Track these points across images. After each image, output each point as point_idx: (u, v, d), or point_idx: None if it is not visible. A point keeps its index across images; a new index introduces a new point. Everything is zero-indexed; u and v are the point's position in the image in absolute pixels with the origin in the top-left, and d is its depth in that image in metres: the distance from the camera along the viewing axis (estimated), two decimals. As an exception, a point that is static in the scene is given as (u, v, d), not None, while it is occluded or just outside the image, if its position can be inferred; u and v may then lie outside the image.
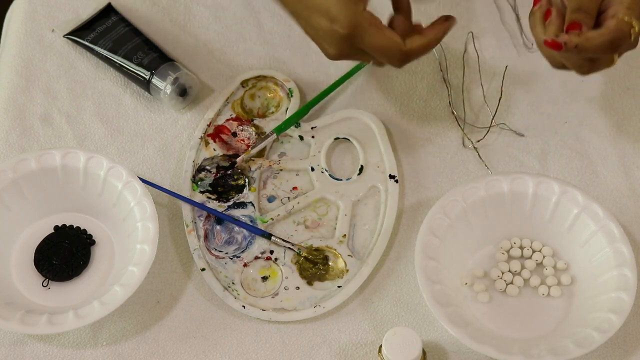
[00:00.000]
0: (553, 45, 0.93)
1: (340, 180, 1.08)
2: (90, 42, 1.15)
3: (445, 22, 0.99)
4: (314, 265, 1.03)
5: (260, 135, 1.11)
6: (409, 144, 1.10)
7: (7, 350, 0.99)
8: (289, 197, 1.07)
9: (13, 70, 1.15)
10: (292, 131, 1.11)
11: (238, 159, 1.09)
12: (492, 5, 1.19)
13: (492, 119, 1.11)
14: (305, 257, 1.03)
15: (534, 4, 0.96)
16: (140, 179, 1.03)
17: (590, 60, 0.97)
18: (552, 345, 0.95)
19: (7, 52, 1.17)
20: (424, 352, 0.94)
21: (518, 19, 1.15)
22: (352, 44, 0.96)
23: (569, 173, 1.09)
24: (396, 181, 1.07)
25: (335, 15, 0.95)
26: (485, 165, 1.09)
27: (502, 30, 1.18)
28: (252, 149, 1.09)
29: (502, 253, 1.03)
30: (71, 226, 1.05)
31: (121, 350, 1.00)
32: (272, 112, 1.13)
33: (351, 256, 1.03)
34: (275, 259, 1.04)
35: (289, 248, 1.04)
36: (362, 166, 1.08)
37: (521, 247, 1.04)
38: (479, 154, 1.09)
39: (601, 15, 0.95)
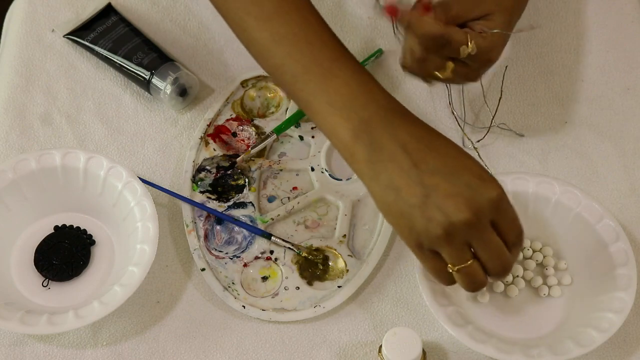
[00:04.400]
0: (390, 11, 0.93)
1: (340, 180, 1.08)
2: (90, 42, 1.15)
3: None
4: (314, 265, 1.03)
5: (260, 135, 1.11)
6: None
7: (7, 350, 0.99)
8: (289, 197, 1.07)
9: (13, 70, 1.15)
10: (292, 131, 1.11)
11: (238, 159, 1.09)
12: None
13: (492, 119, 1.11)
14: (305, 257, 1.03)
15: None
16: (140, 179, 1.03)
17: (422, 60, 0.96)
18: (552, 345, 0.95)
19: (7, 52, 1.18)
20: (424, 352, 0.94)
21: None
22: (484, 219, 0.87)
23: (569, 173, 1.09)
24: (396, 181, 1.07)
25: (489, 178, 0.87)
26: (485, 165, 1.09)
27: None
28: (252, 149, 1.09)
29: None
30: (71, 226, 1.05)
31: (121, 350, 1.00)
32: (272, 112, 1.13)
33: (351, 256, 1.03)
34: (275, 259, 1.04)
35: (289, 248, 1.04)
36: (362, 166, 1.08)
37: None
38: (479, 154, 1.09)
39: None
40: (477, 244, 0.87)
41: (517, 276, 1.02)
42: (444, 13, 0.95)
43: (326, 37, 0.93)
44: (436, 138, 0.89)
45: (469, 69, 0.98)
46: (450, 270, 0.89)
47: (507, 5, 0.98)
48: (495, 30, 0.96)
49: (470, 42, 0.95)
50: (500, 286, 1.01)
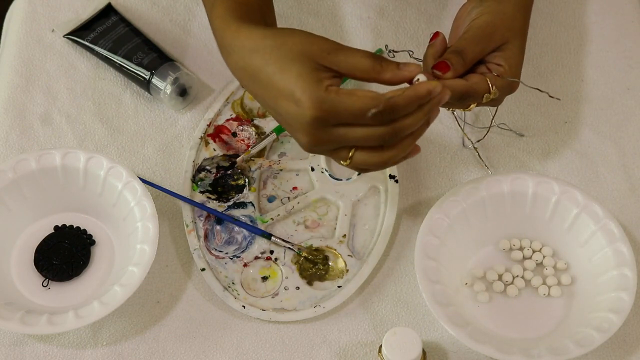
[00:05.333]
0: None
1: (340, 180, 1.08)
2: (90, 42, 1.15)
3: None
4: (314, 265, 1.03)
5: (260, 135, 1.11)
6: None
7: (7, 350, 0.99)
8: (289, 197, 1.07)
9: (13, 70, 1.15)
10: (292, 131, 1.11)
11: (238, 159, 1.09)
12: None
13: (492, 119, 1.11)
14: (305, 257, 1.03)
15: (432, 38, 0.97)
16: (140, 179, 1.03)
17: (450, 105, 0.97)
18: (552, 345, 0.95)
19: (7, 52, 1.18)
20: (424, 352, 0.94)
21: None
22: (325, 126, 0.88)
23: (569, 173, 1.09)
24: (396, 181, 1.07)
25: (299, 97, 0.87)
26: (485, 165, 1.09)
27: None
28: (252, 149, 1.09)
29: (502, 252, 1.03)
30: (71, 226, 1.05)
31: (121, 350, 1.00)
32: (272, 112, 1.13)
33: (351, 256, 1.03)
34: (275, 259, 1.04)
35: (289, 248, 1.04)
36: (362, 166, 1.08)
37: (521, 247, 1.04)
38: (479, 154, 1.09)
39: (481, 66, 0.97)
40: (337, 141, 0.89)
41: (517, 276, 1.02)
42: (462, 63, 0.95)
43: None
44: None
45: (495, 101, 0.98)
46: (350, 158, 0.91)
47: (518, 28, 0.98)
48: (512, 79, 0.96)
49: (492, 88, 0.96)
50: (500, 286, 1.01)
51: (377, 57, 0.90)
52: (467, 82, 0.95)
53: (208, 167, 1.09)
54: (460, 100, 0.95)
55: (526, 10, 1.00)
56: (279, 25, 1.10)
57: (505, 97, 0.99)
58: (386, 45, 0.98)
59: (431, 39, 0.97)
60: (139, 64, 1.12)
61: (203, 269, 1.03)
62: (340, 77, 0.90)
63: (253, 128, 1.11)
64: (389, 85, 0.90)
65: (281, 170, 1.09)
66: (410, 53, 0.98)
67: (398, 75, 0.90)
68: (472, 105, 0.96)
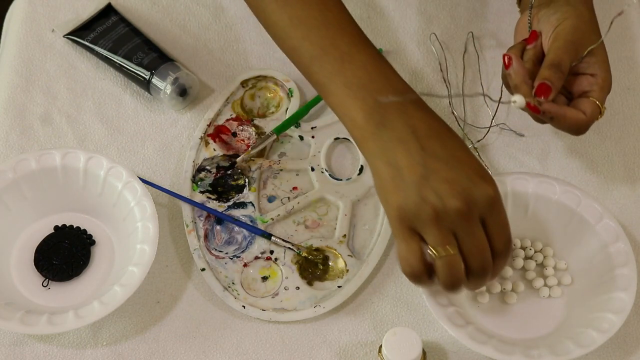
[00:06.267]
0: (533, 110, 0.95)
1: (340, 180, 1.08)
2: (90, 42, 1.15)
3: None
4: (314, 265, 1.03)
5: (260, 135, 1.11)
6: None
7: (7, 350, 0.99)
8: (289, 197, 1.07)
9: (13, 70, 1.15)
10: (292, 131, 1.11)
11: (238, 159, 1.09)
12: (492, 5, 1.19)
13: (492, 119, 1.11)
14: (305, 257, 1.03)
15: (506, 67, 0.97)
16: (140, 179, 1.03)
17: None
18: (552, 345, 0.95)
19: (7, 52, 1.18)
20: (424, 352, 0.94)
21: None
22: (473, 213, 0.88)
23: (569, 173, 1.09)
24: (396, 181, 1.07)
25: (489, 178, 0.88)
26: (485, 165, 1.09)
27: (502, 31, 1.18)
28: (252, 149, 1.09)
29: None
30: (71, 226, 1.05)
31: (121, 350, 1.00)
32: (272, 112, 1.13)
33: (351, 256, 1.03)
34: (275, 259, 1.04)
35: (289, 248, 1.04)
36: (362, 166, 1.08)
37: (522, 248, 1.03)
38: (479, 154, 1.09)
39: (573, 77, 0.97)
40: (463, 235, 0.87)
41: (517, 276, 1.02)
42: (561, 77, 0.95)
43: (345, 22, 0.94)
44: (447, 130, 0.90)
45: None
46: (432, 256, 0.88)
47: (598, 30, 0.98)
48: (602, 107, 0.98)
49: (603, 107, 0.97)
50: (500, 287, 1.01)
51: None
52: (585, 114, 0.95)
53: (208, 167, 1.09)
54: (578, 132, 0.97)
55: (593, 11, 1.00)
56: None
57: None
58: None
59: (506, 66, 0.96)
60: (139, 64, 1.12)
61: (203, 269, 1.03)
62: None
63: (253, 128, 1.11)
64: None
65: (281, 170, 1.09)
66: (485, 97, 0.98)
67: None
68: None
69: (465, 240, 0.87)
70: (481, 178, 0.88)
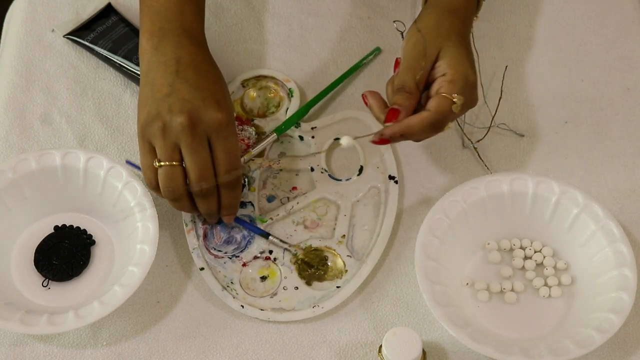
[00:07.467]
0: (382, 142, 0.96)
1: (340, 180, 1.08)
2: (90, 42, 1.15)
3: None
4: (313, 265, 1.03)
5: (260, 135, 1.11)
6: (408, 144, 1.10)
7: (7, 350, 0.99)
8: (288, 197, 1.07)
9: (13, 70, 1.15)
10: (292, 131, 1.11)
11: (238, 159, 1.09)
12: (492, 5, 1.19)
13: (492, 119, 1.11)
14: (302, 259, 1.03)
15: (365, 104, 0.99)
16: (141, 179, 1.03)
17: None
18: (552, 345, 0.95)
19: (7, 52, 1.18)
20: (424, 352, 0.94)
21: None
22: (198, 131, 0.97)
23: (569, 173, 1.09)
24: (396, 182, 1.07)
25: (225, 107, 0.97)
26: (485, 165, 1.09)
27: (501, 31, 1.18)
28: (252, 149, 1.09)
29: (503, 252, 1.03)
30: (71, 226, 1.05)
31: (121, 350, 1.00)
32: (272, 112, 1.13)
33: (350, 256, 1.03)
34: (274, 259, 1.04)
35: (286, 249, 1.04)
36: (361, 166, 1.08)
37: (521, 248, 1.04)
38: (479, 154, 1.09)
39: (429, 87, 0.98)
40: (185, 148, 0.96)
41: (517, 276, 1.02)
42: (409, 96, 0.96)
43: None
44: (210, 66, 1.00)
45: (469, 102, 0.99)
46: (156, 166, 0.97)
47: (446, 31, 0.99)
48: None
49: (452, 97, 0.96)
50: (500, 287, 1.01)
51: None
52: (429, 112, 0.95)
53: (208, 167, 1.09)
54: (436, 130, 0.96)
55: (450, 13, 1.01)
56: (282, 26, 1.10)
57: (475, 92, 0.99)
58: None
59: (365, 103, 0.99)
60: (139, 64, 1.12)
61: (202, 269, 1.03)
62: None
63: (253, 128, 1.11)
64: None
65: (281, 170, 1.09)
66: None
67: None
68: (448, 126, 0.97)
69: (187, 153, 0.96)
70: (216, 103, 0.96)
